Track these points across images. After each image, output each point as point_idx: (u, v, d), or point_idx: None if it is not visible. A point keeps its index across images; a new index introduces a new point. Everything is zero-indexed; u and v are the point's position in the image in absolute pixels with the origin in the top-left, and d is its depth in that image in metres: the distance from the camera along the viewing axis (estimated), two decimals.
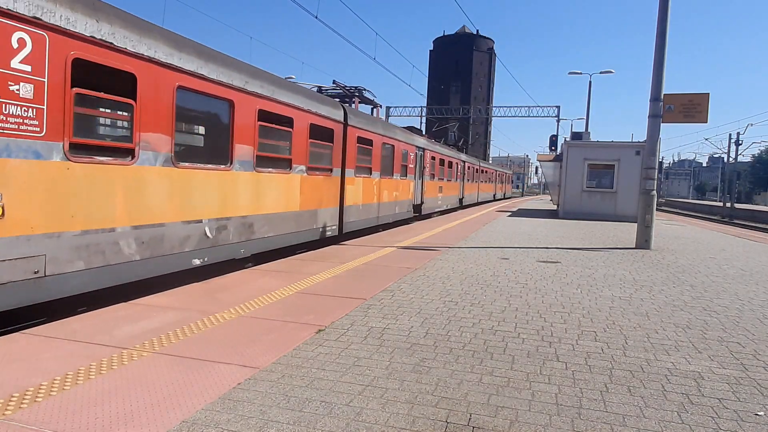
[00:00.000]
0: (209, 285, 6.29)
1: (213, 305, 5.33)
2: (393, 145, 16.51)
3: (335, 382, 3.48)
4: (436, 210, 23.82)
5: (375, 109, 17.22)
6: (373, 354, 4.06)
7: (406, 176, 18.25)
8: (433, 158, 22.48)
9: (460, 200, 30.58)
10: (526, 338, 4.62)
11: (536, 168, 64.84)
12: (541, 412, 3.14)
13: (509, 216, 21.97)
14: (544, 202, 44.75)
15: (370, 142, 14.37)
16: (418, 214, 20.20)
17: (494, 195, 48.81)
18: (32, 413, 2.88)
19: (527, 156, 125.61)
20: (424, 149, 20.64)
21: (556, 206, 27.77)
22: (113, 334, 4.27)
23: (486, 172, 42.53)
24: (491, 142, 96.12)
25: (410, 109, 57.11)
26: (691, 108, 11.86)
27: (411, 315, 5.25)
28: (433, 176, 22.55)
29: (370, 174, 14.59)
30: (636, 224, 12.43)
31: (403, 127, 20.22)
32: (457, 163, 28.65)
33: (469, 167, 33.51)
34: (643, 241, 11.90)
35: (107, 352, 3.85)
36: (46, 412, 2.89)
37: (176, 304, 5.35)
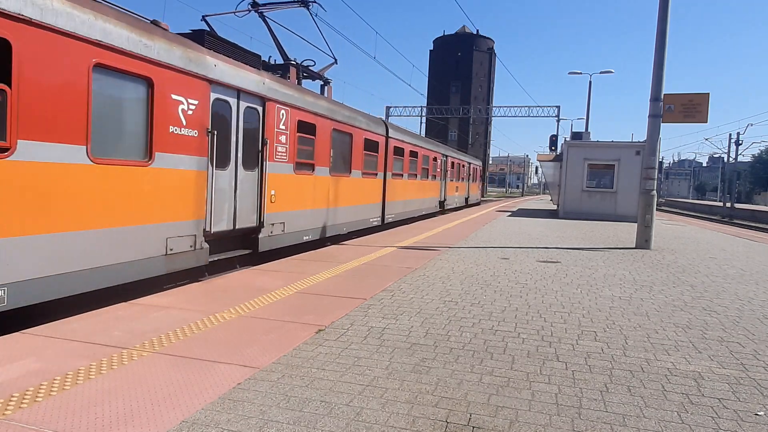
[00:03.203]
0: (209, 285, 6.29)
1: (213, 305, 5.33)
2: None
3: (335, 382, 3.49)
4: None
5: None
6: (373, 354, 4.07)
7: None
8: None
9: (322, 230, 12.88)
10: (526, 338, 4.62)
11: (536, 168, 64.79)
12: (541, 412, 3.14)
13: (509, 216, 21.97)
14: (544, 202, 44.73)
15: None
16: None
17: (442, 201, 25.24)
18: (32, 413, 2.88)
19: (527, 156, 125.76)
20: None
21: (556, 206, 27.77)
22: (113, 334, 4.27)
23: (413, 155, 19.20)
24: (491, 142, 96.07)
25: (410, 109, 57.23)
26: (691, 108, 11.86)
27: (411, 315, 5.25)
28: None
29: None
30: (636, 224, 12.44)
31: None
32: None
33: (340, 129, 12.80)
34: (643, 241, 11.89)
35: (107, 352, 3.85)
36: (46, 412, 2.89)
37: (176, 304, 5.35)
